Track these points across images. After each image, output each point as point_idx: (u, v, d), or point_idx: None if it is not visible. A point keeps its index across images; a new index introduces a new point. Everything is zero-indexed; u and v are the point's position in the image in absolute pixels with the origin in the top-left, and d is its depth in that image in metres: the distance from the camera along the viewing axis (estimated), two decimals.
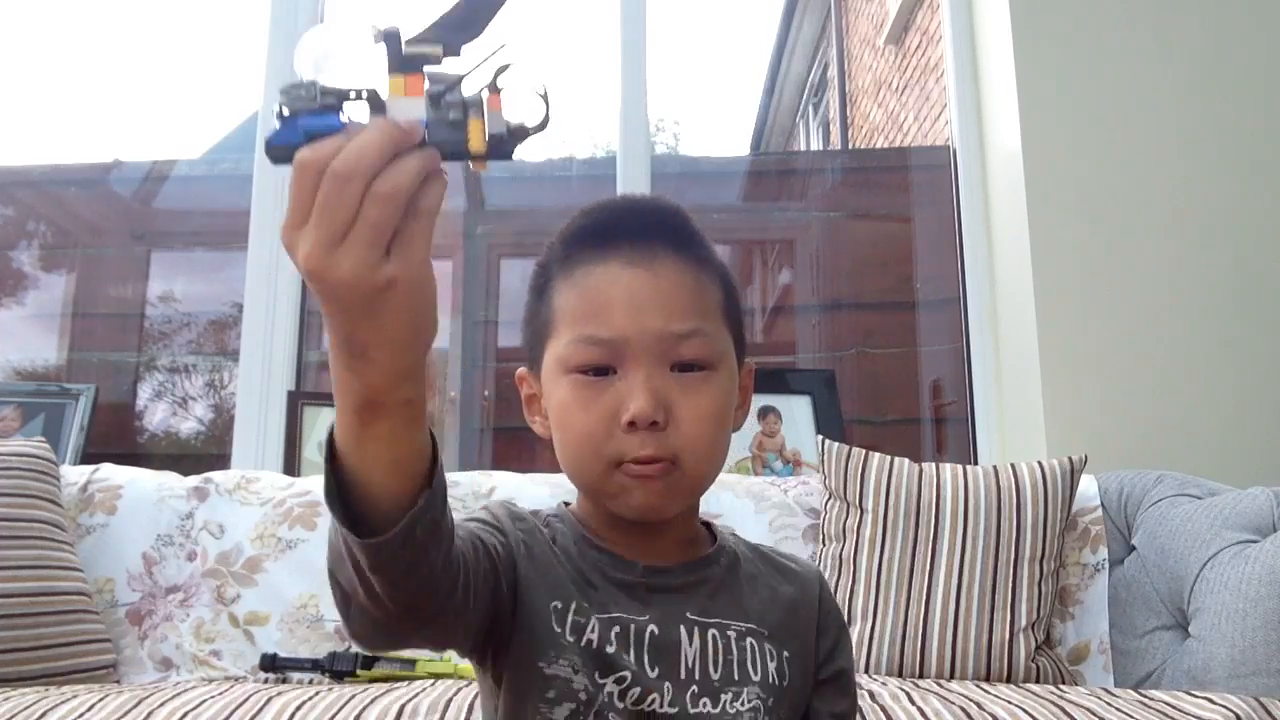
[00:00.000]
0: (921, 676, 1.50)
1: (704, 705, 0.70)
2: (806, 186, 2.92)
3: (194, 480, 1.76)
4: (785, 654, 0.75)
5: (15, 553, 1.50)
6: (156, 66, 3.03)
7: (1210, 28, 2.10)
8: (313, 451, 2.03)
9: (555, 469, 0.90)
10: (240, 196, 2.25)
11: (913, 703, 1.20)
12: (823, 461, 1.73)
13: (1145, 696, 1.25)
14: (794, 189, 2.93)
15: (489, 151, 0.50)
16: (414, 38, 0.50)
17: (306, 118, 0.47)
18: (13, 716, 1.13)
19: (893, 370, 2.56)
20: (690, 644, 0.72)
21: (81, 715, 1.14)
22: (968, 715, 1.15)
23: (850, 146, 5.31)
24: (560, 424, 0.75)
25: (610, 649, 0.69)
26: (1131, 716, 1.16)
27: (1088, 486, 1.72)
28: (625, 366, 0.73)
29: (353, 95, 0.48)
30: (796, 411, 2.12)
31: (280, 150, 0.47)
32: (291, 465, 2.01)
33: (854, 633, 1.54)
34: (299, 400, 2.08)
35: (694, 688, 0.71)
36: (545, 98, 0.54)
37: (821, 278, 2.66)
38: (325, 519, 1.68)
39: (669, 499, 0.73)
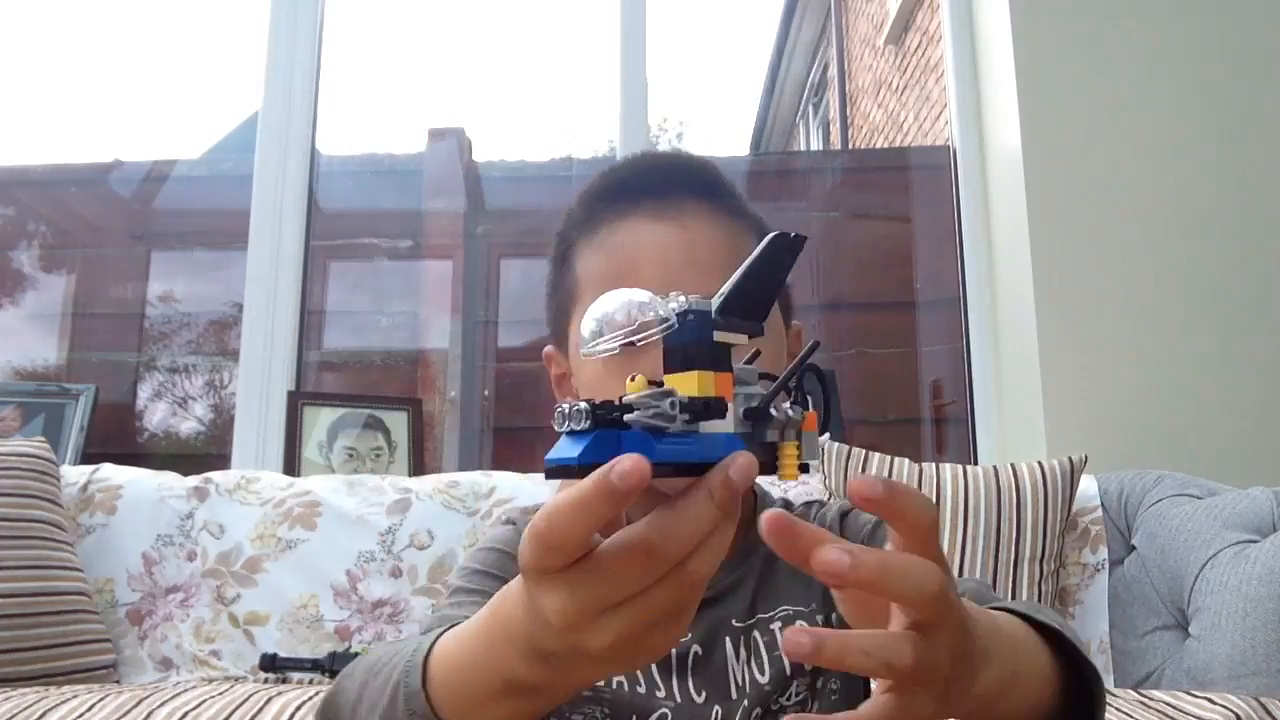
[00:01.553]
0: None
1: (755, 716, 0.65)
2: (806, 186, 2.92)
3: (194, 480, 1.76)
4: (834, 616, 0.69)
5: (15, 553, 1.50)
6: (156, 66, 3.03)
7: (1210, 28, 2.10)
8: (313, 451, 2.03)
9: None
10: (240, 196, 2.25)
11: None
12: (823, 461, 1.73)
13: (1145, 696, 1.25)
14: (794, 189, 2.93)
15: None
16: (720, 317, 0.41)
17: (662, 440, 0.38)
18: (13, 716, 1.13)
19: (893, 370, 2.56)
20: (737, 657, 0.67)
21: (81, 715, 1.14)
22: None
23: (850, 146, 5.31)
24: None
25: (641, 689, 0.64)
26: (1132, 716, 1.16)
27: (1088, 486, 1.72)
28: None
29: (677, 422, 0.39)
30: None
31: (577, 471, 0.38)
32: (291, 465, 2.01)
33: None
34: (299, 400, 2.08)
35: (745, 702, 0.66)
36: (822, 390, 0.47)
37: (821, 278, 2.66)
38: (325, 518, 1.69)
39: None
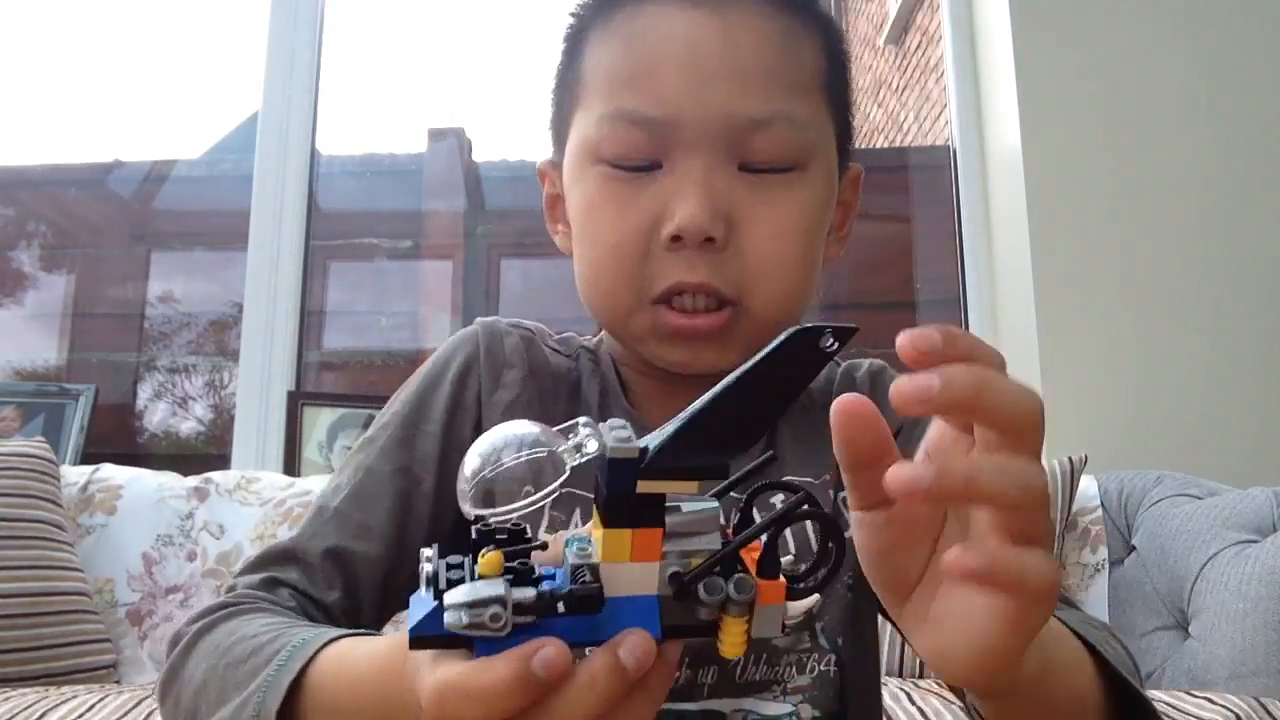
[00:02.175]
0: (921, 677, 1.50)
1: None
2: None
3: (194, 480, 1.76)
4: (843, 495, 0.54)
5: (15, 553, 1.50)
6: (156, 66, 3.03)
7: (1211, 27, 2.10)
8: (313, 451, 2.03)
9: None
10: (240, 196, 2.25)
11: (913, 703, 1.20)
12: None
13: None
14: None
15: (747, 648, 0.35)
16: (654, 461, 0.32)
17: (489, 644, 0.32)
18: (13, 716, 1.13)
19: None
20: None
21: (81, 715, 1.14)
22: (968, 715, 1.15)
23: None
24: (582, 234, 0.55)
25: None
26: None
27: (1088, 486, 1.72)
28: (674, 157, 0.51)
29: (558, 604, 0.32)
30: None
31: (445, 643, 0.33)
32: (291, 465, 2.01)
33: None
34: (299, 400, 2.08)
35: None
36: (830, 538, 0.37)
37: (821, 277, 2.66)
38: None
39: (724, 355, 0.52)
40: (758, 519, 0.35)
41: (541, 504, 0.33)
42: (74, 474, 1.74)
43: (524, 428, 0.34)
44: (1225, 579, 1.40)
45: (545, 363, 0.58)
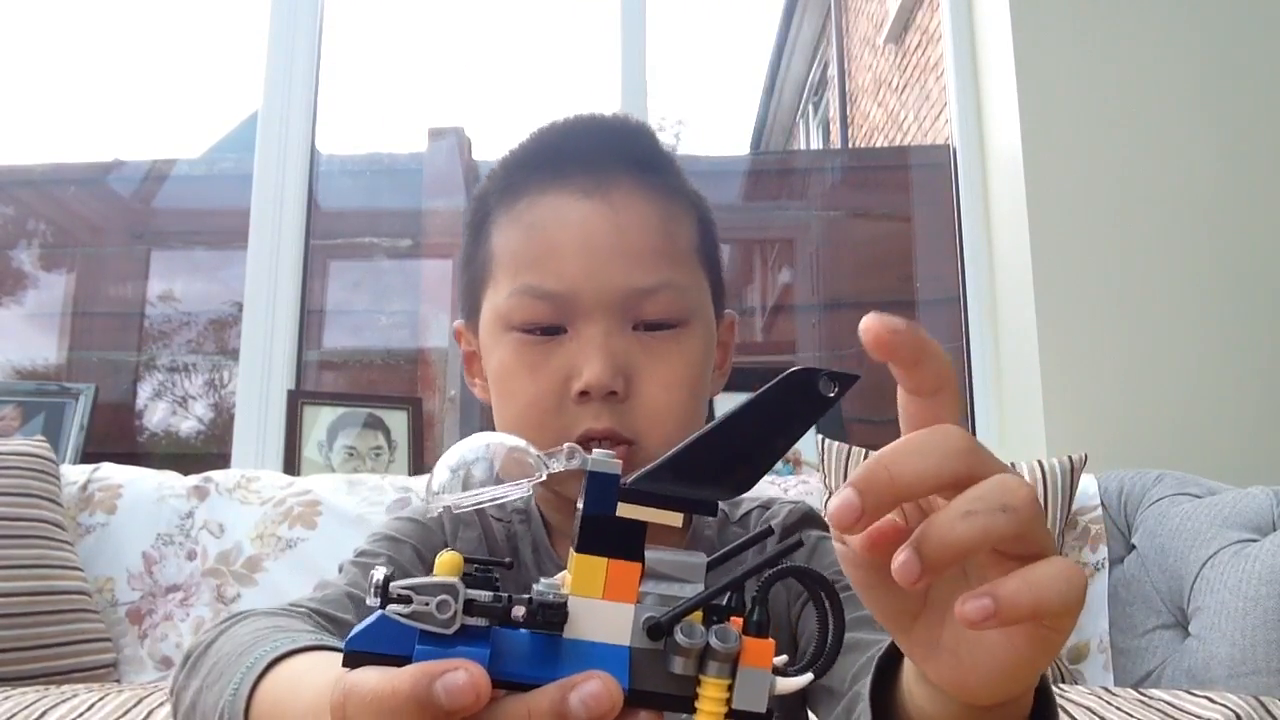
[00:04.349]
0: None
1: None
2: (806, 186, 2.92)
3: (194, 479, 1.76)
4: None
5: (15, 552, 1.50)
6: (156, 66, 3.03)
7: (1211, 27, 2.10)
8: (313, 450, 2.03)
9: None
10: (240, 196, 2.25)
11: None
12: (823, 461, 1.73)
13: (1145, 695, 1.25)
14: (794, 188, 2.93)
15: None
16: (639, 484, 0.31)
17: (428, 642, 0.29)
18: (13, 716, 1.13)
19: None
20: None
21: (81, 714, 1.14)
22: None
23: (850, 146, 5.31)
24: (501, 391, 0.62)
25: None
26: (1131, 715, 1.16)
27: (1087, 485, 1.72)
28: (578, 324, 0.59)
29: (517, 610, 0.29)
30: None
31: (375, 661, 0.30)
32: (291, 464, 2.01)
33: None
34: (299, 399, 2.08)
35: None
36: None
37: (821, 277, 2.66)
38: (325, 518, 1.69)
39: None
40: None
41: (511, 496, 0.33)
42: (74, 473, 1.74)
43: (496, 438, 0.34)
44: (1225, 578, 1.41)
45: (490, 527, 0.65)
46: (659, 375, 0.59)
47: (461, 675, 0.28)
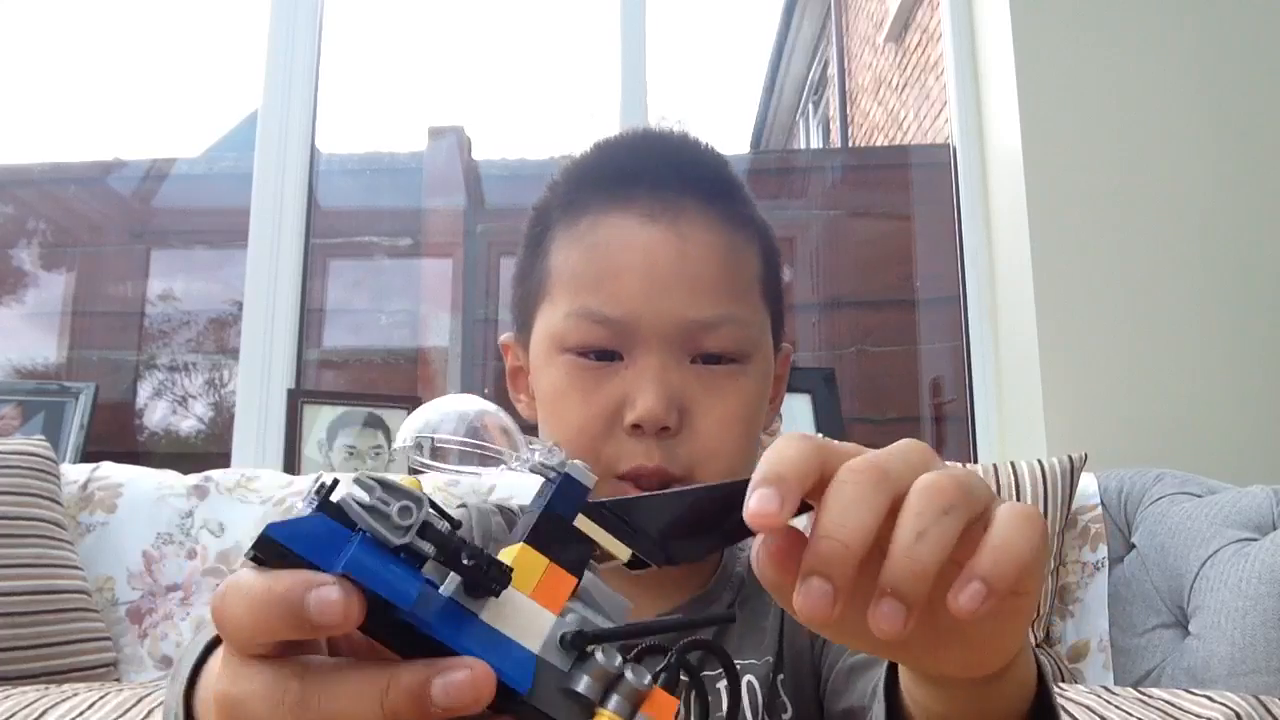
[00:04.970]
0: None
1: None
2: (806, 185, 2.92)
3: (194, 479, 1.75)
4: (780, 677, 0.61)
5: (15, 551, 1.50)
6: (156, 65, 3.03)
7: (1211, 26, 2.10)
8: (313, 449, 2.04)
9: None
10: (240, 195, 2.25)
11: None
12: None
13: (1145, 694, 1.25)
14: (794, 187, 2.93)
15: None
16: (608, 505, 0.31)
17: (366, 549, 0.27)
18: (13, 715, 1.13)
19: (892, 368, 2.56)
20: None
21: (82, 713, 1.14)
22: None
23: (850, 144, 5.31)
24: (550, 414, 0.61)
25: None
26: (1131, 714, 1.16)
27: (1087, 484, 1.72)
28: (634, 352, 0.58)
29: (468, 556, 0.28)
30: (796, 410, 2.12)
31: (287, 558, 0.27)
32: (291, 463, 2.01)
33: None
34: (299, 399, 2.08)
35: None
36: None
37: (821, 276, 2.66)
38: None
39: None
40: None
41: (478, 461, 0.32)
42: (74, 472, 1.74)
43: (467, 402, 0.33)
44: (1225, 577, 1.41)
45: (513, 524, 0.63)
46: (715, 411, 0.58)
47: (335, 591, 0.26)
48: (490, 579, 0.28)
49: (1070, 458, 1.66)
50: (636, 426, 0.56)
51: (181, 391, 2.51)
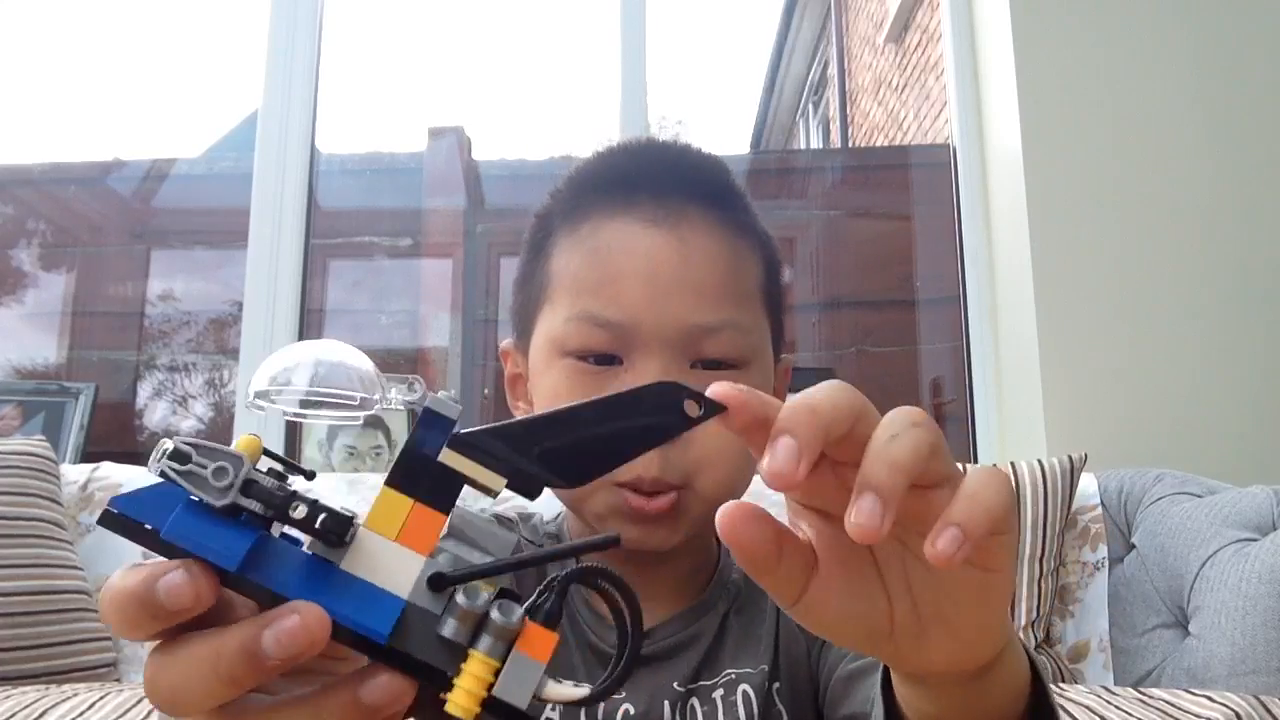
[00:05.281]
0: None
1: None
2: (806, 185, 2.92)
3: None
4: (776, 685, 0.61)
5: (15, 551, 1.50)
6: (156, 65, 3.03)
7: (1212, 26, 2.10)
8: (313, 450, 2.03)
9: None
10: (240, 195, 2.25)
11: None
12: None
13: (1145, 694, 1.25)
14: (794, 187, 2.93)
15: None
16: (473, 435, 0.29)
17: (189, 514, 0.27)
18: (13, 715, 1.13)
19: (893, 368, 2.56)
20: None
21: (82, 714, 1.14)
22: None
23: (850, 145, 5.31)
24: None
25: None
26: (1131, 714, 1.16)
27: (1087, 485, 1.72)
28: (634, 356, 0.57)
29: (299, 508, 0.27)
30: None
31: (127, 526, 0.28)
32: None
33: None
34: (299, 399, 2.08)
35: None
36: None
37: (821, 276, 2.66)
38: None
39: (674, 534, 0.57)
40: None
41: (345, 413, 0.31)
42: (74, 472, 1.74)
43: (329, 345, 0.32)
44: (1225, 577, 1.41)
45: (520, 546, 0.62)
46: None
47: (179, 575, 0.26)
48: (327, 529, 0.27)
49: (1070, 458, 1.66)
50: None
51: (181, 391, 2.51)
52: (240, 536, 0.27)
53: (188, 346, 2.54)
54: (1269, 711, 1.18)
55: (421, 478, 0.29)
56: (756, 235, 0.64)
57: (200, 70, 3.00)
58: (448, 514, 0.29)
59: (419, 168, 2.75)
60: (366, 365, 0.28)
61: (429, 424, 0.29)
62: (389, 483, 0.29)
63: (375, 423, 2.09)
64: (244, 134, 2.40)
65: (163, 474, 0.27)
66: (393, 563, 0.28)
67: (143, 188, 2.67)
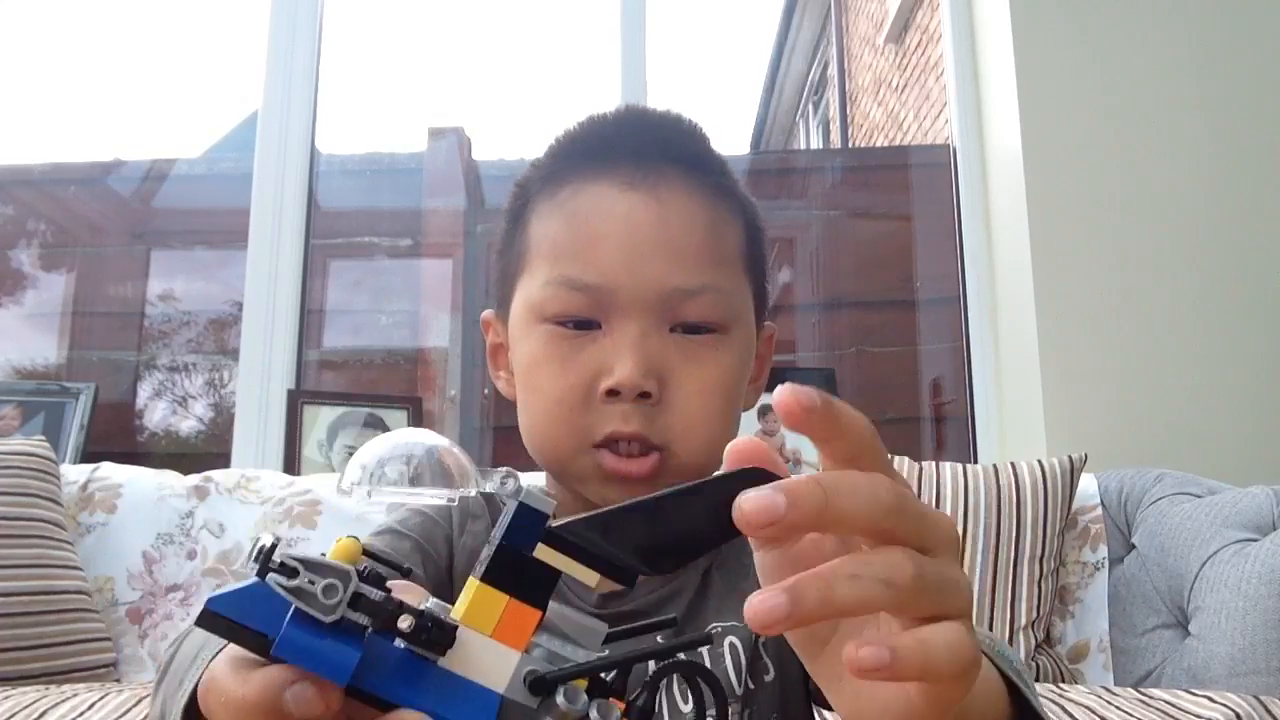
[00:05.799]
0: None
1: None
2: (806, 185, 2.92)
3: (194, 479, 1.75)
4: (762, 639, 0.60)
5: (15, 551, 1.50)
6: (156, 66, 3.03)
7: (1211, 26, 2.10)
8: (313, 450, 2.03)
9: None
10: (240, 195, 2.25)
11: None
12: (822, 461, 1.73)
13: (1145, 695, 1.25)
14: (794, 187, 2.93)
15: None
16: (567, 529, 0.29)
17: (297, 627, 0.27)
18: (13, 715, 1.13)
19: (892, 369, 2.55)
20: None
21: (82, 714, 1.14)
22: None
23: (850, 145, 5.31)
24: (528, 384, 0.60)
25: None
26: (1131, 715, 1.16)
27: (1088, 485, 1.72)
28: (613, 320, 0.57)
29: (405, 620, 0.28)
30: None
31: (233, 629, 0.28)
32: (291, 464, 2.01)
33: None
34: (299, 399, 2.08)
35: None
36: None
37: (821, 276, 2.66)
38: (325, 517, 1.69)
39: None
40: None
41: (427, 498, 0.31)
42: (74, 473, 1.74)
43: (419, 435, 0.33)
44: (1225, 577, 1.41)
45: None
46: (694, 380, 0.57)
47: (308, 689, 0.27)
48: (432, 641, 0.28)
49: (1070, 458, 1.66)
50: (613, 393, 0.55)
51: (181, 392, 2.51)
52: (348, 649, 0.27)
53: (188, 347, 2.54)
54: (1269, 711, 1.18)
55: (516, 574, 0.29)
56: (738, 200, 0.63)
57: (200, 70, 3.00)
58: (543, 609, 0.29)
59: (419, 168, 2.75)
60: (461, 458, 0.28)
61: (522, 519, 0.29)
62: (484, 579, 0.29)
63: (375, 423, 2.09)
64: (244, 134, 2.40)
65: (269, 583, 0.27)
66: (489, 658, 0.28)
67: (143, 188, 2.67)
